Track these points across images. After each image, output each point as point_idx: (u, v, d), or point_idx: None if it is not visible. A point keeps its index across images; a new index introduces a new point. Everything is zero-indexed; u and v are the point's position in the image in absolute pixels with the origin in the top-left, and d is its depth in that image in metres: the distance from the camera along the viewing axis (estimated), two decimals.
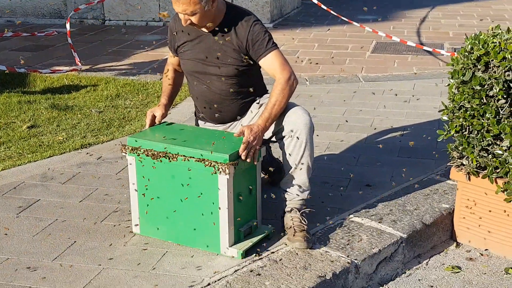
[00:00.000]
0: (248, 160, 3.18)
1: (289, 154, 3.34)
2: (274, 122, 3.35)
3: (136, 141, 3.35)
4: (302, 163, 3.35)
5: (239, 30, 3.38)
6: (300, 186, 3.41)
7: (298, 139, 3.30)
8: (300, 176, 3.39)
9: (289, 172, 3.39)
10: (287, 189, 3.44)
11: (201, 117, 3.72)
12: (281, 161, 3.50)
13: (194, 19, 3.31)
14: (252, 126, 3.24)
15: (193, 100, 3.73)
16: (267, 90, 3.69)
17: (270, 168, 3.82)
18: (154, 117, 3.58)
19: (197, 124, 3.78)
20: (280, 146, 3.41)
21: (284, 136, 3.35)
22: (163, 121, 3.61)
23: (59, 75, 6.79)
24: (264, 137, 3.35)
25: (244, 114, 3.61)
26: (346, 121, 5.20)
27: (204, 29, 3.43)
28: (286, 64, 3.40)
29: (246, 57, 3.41)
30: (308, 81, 6.56)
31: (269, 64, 3.39)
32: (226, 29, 3.39)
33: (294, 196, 3.43)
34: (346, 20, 8.42)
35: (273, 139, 3.48)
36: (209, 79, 3.50)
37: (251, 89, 3.53)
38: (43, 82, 6.57)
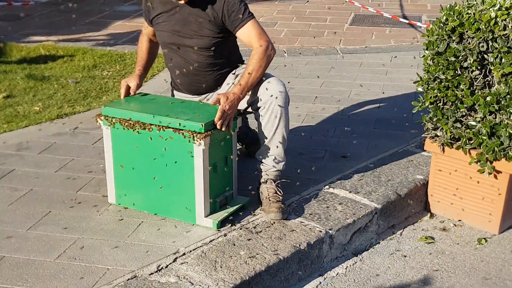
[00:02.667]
0: (223, 129, 3.18)
1: (265, 125, 3.35)
2: (250, 93, 3.35)
3: (111, 110, 3.33)
4: (278, 134, 3.35)
5: (214, 1, 3.35)
6: (275, 157, 3.42)
7: (274, 110, 3.30)
8: (275, 147, 3.39)
9: (265, 143, 3.39)
10: (263, 160, 3.45)
11: (177, 87, 3.70)
12: (257, 131, 3.50)
13: None
14: (228, 94, 3.23)
15: (169, 71, 3.71)
16: (244, 61, 3.68)
17: (245, 139, 3.83)
18: (128, 87, 3.55)
19: (173, 95, 3.77)
20: (255, 117, 3.42)
21: (259, 107, 3.35)
22: (138, 91, 3.60)
23: (36, 45, 6.71)
24: (239, 108, 3.35)
25: (220, 85, 3.59)
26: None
27: (179, 1, 3.40)
28: (263, 33, 3.38)
29: (222, 29, 3.39)
30: (286, 53, 6.55)
31: (246, 35, 3.37)
32: (201, 1, 3.36)
33: (269, 167, 3.44)
34: None
35: (249, 109, 3.48)
36: (185, 51, 3.48)
37: (227, 61, 3.52)
38: (19, 52, 6.50)
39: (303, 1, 9.21)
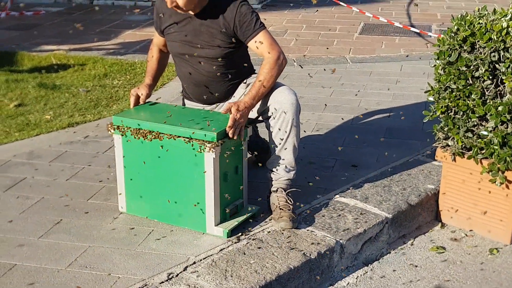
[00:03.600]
0: (235, 137, 3.19)
1: (275, 134, 3.35)
2: (261, 102, 3.36)
3: (122, 119, 3.34)
4: (288, 143, 3.35)
5: (225, 12, 3.36)
6: (286, 166, 3.42)
7: (285, 119, 3.30)
8: (286, 156, 3.39)
9: (275, 151, 3.39)
10: (273, 169, 3.45)
11: (188, 97, 3.71)
12: (268, 140, 3.50)
13: (180, 1, 3.29)
14: (239, 103, 3.24)
15: (180, 80, 3.72)
16: (255, 70, 3.69)
17: (256, 148, 3.84)
18: (138, 96, 3.57)
19: (184, 103, 3.78)
20: (266, 126, 3.42)
21: (270, 116, 3.35)
22: (147, 101, 3.61)
23: (47, 54, 6.75)
24: (250, 117, 3.35)
25: (231, 95, 3.60)
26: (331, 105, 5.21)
27: (190, 11, 3.41)
28: (275, 43, 3.39)
29: (234, 40, 3.40)
30: (296, 62, 6.56)
31: (257, 45, 3.38)
32: (212, 11, 3.37)
33: (280, 176, 3.44)
34: (334, 1, 8.41)
35: (260, 118, 3.48)
36: (196, 61, 3.48)
37: (238, 70, 3.53)
38: (30, 61, 6.54)
39: (313, 10, 9.23)
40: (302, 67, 6.14)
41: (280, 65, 3.34)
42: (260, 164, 3.59)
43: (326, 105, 5.21)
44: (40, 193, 3.70)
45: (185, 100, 3.76)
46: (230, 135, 3.17)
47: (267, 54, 3.35)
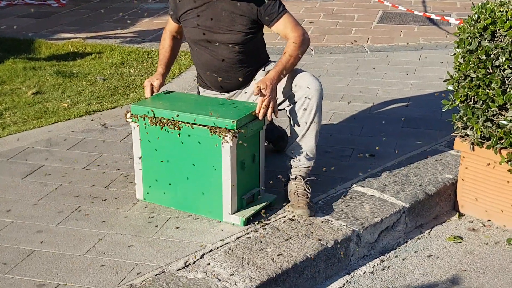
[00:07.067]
0: (269, 117, 3.23)
1: (299, 119, 3.34)
2: (285, 87, 3.36)
3: (140, 108, 3.35)
4: (311, 129, 3.35)
5: None
6: (307, 153, 3.40)
7: (309, 105, 3.30)
8: (308, 143, 3.38)
9: (297, 139, 3.38)
10: (294, 156, 3.43)
11: (204, 85, 3.70)
12: (283, 128, 3.48)
13: None
14: (266, 80, 3.25)
15: (196, 68, 3.70)
16: (269, 58, 3.69)
17: (272, 136, 3.82)
18: (152, 86, 3.56)
19: (198, 92, 3.77)
20: (289, 111, 3.41)
21: (295, 102, 3.34)
22: (161, 90, 3.60)
23: (64, 42, 6.77)
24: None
25: (249, 83, 3.59)
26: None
27: None
28: (298, 25, 3.45)
29: (254, 24, 3.40)
30: (314, 50, 6.53)
31: (282, 28, 3.41)
32: None
33: (301, 163, 3.42)
34: None
35: (280, 107, 3.46)
36: (216, 47, 3.48)
37: (255, 57, 3.52)
38: (48, 48, 6.56)
39: None
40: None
41: (306, 43, 3.39)
42: (276, 148, 3.55)
43: (343, 94, 5.18)
44: (58, 180, 3.72)
45: (200, 88, 3.75)
46: (261, 116, 3.20)
47: (292, 34, 3.38)
